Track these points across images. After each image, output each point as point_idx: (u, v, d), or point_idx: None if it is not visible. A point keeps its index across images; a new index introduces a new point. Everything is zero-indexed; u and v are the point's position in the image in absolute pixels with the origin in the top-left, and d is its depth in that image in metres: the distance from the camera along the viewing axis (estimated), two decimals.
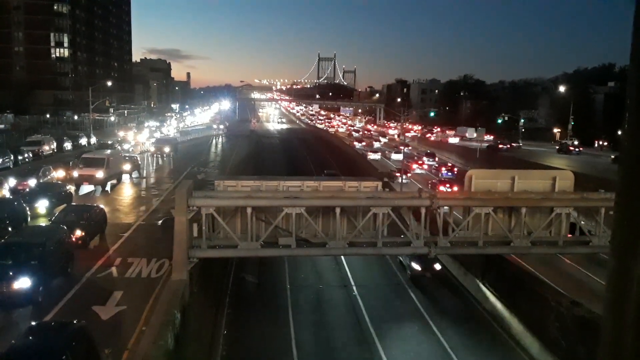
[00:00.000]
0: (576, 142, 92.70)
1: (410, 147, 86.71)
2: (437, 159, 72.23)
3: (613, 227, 3.48)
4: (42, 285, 17.69)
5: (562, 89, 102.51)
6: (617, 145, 65.79)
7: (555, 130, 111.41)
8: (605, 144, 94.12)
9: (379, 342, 20.60)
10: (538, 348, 19.89)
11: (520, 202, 20.45)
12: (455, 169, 60.70)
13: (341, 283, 26.86)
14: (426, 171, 63.95)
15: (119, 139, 70.92)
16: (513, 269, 24.73)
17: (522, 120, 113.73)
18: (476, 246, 20.77)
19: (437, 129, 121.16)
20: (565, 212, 20.60)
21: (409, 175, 58.35)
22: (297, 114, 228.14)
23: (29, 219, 26.34)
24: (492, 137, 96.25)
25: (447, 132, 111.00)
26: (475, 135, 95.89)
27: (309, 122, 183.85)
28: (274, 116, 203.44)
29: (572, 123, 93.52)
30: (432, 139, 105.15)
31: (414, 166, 64.42)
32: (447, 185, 47.50)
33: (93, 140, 70.78)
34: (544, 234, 21.23)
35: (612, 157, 65.66)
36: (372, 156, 73.67)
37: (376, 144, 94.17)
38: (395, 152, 74.21)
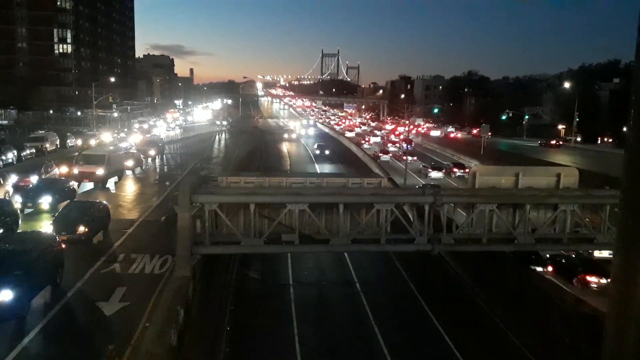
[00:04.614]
0: (579, 139, 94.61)
1: (383, 131, 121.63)
2: (401, 136, 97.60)
3: (618, 224, 3.45)
4: (27, 297, 16.20)
5: (567, 85, 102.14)
6: (622, 141, 65.76)
7: (560, 126, 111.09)
8: (611, 140, 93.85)
9: (382, 339, 20.58)
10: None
11: (525, 199, 20.37)
12: (413, 144, 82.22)
13: (344, 280, 26.84)
14: (397, 148, 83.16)
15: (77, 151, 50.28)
16: (517, 266, 24.69)
17: (527, 117, 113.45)
18: (480, 243, 20.72)
19: (418, 121, 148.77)
20: (570, 209, 20.52)
21: (371, 142, 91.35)
22: (294, 106, 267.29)
23: (20, 221, 25.26)
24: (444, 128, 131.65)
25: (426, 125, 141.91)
26: (424, 124, 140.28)
27: (303, 112, 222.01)
28: (307, 137, 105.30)
29: (577, 119, 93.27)
30: (423, 131, 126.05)
31: (389, 144, 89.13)
32: (406, 154, 67.58)
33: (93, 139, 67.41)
34: (549, 231, 21.16)
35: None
36: (348, 134, 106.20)
37: (357, 129, 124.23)
38: (374, 136, 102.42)
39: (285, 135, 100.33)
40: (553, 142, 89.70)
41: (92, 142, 62.58)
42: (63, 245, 20.00)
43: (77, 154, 43.15)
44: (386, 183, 24.96)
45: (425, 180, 54.04)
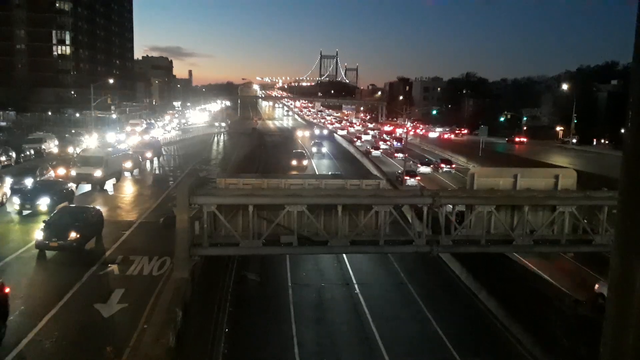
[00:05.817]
0: (574, 140, 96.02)
1: (375, 130, 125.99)
2: (393, 135, 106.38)
3: (616, 225, 3.45)
4: None
5: (565, 86, 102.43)
6: (620, 143, 66.18)
7: (558, 128, 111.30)
8: (607, 142, 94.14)
9: (380, 340, 20.57)
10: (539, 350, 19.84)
11: (523, 201, 20.39)
12: (402, 142, 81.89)
13: (343, 281, 26.84)
14: (389, 146, 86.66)
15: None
16: (515, 267, 24.70)
17: (525, 118, 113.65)
18: (478, 244, 20.73)
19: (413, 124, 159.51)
20: (568, 210, 20.54)
21: (363, 140, 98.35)
22: (292, 107, 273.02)
23: None
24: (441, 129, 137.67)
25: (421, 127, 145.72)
26: (418, 126, 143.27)
27: (299, 112, 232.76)
28: (319, 156, 75.95)
29: (575, 121, 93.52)
30: (421, 133, 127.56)
31: (380, 142, 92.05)
32: (397, 151, 74.50)
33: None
34: (547, 232, 21.17)
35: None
36: (340, 132, 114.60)
37: (351, 129, 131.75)
38: (365, 134, 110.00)
39: (294, 162, 61.26)
40: (517, 139, 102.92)
41: (70, 149, 54.50)
42: (7, 290, 15.86)
43: (73, 156, 42.92)
44: (385, 184, 24.98)
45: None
